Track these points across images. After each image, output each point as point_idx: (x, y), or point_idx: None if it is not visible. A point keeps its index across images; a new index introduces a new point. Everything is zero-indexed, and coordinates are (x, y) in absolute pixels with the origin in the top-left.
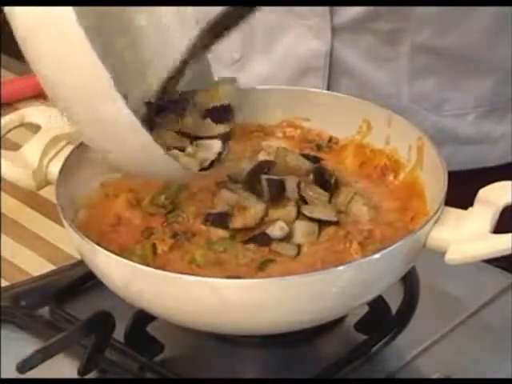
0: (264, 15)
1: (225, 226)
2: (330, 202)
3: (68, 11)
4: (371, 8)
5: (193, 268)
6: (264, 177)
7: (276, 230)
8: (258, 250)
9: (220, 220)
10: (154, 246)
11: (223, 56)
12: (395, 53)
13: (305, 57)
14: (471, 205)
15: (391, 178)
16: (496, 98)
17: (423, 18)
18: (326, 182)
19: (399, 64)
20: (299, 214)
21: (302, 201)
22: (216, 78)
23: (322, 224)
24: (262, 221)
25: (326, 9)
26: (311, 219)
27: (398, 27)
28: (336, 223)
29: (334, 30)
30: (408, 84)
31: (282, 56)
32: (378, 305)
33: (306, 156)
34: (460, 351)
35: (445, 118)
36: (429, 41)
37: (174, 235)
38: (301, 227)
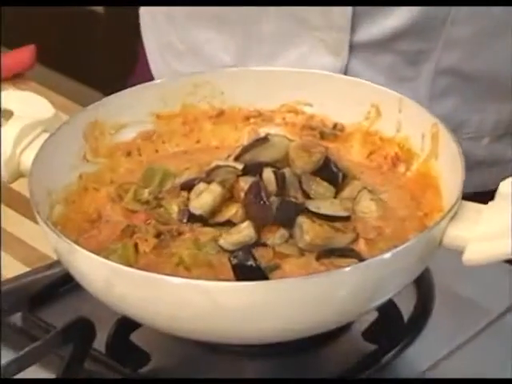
0: (271, 21)
1: (205, 223)
2: (335, 197)
3: None
4: (397, 27)
5: (180, 270)
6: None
7: (277, 239)
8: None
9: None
10: (136, 246)
11: (214, 57)
12: (416, 73)
13: None
14: None
15: (403, 169)
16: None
17: (453, 40)
18: (333, 175)
19: (419, 84)
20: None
21: (305, 196)
22: None
23: (328, 221)
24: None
25: (347, 24)
26: (317, 215)
27: (423, 48)
28: (347, 219)
29: (353, 48)
30: (427, 104)
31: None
32: (388, 310)
33: (309, 145)
34: (480, 361)
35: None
36: (455, 64)
37: (158, 234)
38: (305, 224)
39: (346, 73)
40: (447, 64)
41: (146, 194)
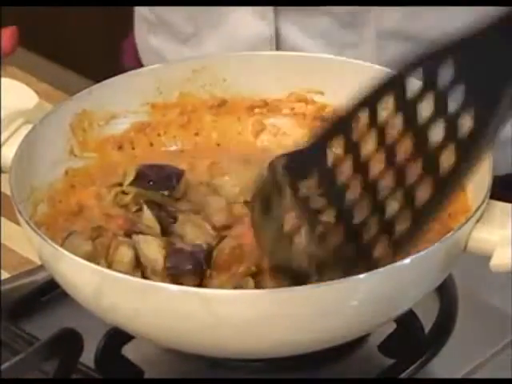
0: None
1: None
2: None
3: None
4: None
5: None
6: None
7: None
8: None
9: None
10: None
11: (177, 27)
12: (358, 38)
13: (250, 41)
14: None
15: None
16: None
17: None
18: None
19: (364, 51)
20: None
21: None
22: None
23: None
24: None
25: None
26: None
27: (357, 8)
28: None
29: (278, 9)
30: None
31: (229, 38)
32: (407, 321)
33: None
34: (509, 376)
35: None
36: (397, 25)
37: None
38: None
39: (278, 40)
40: (388, 26)
41: (127, 199)
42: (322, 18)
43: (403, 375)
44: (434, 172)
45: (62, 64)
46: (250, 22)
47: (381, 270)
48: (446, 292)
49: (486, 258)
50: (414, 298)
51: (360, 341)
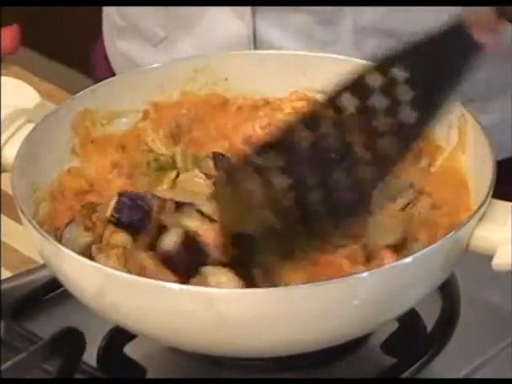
0: None
1: None
2: None
3: None
4: None
5: None
6: None
7: None
8: None
9: None
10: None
11: (148, 32)
12: (335, 35)
13: (227, 42)
14: None
15: (426, 163)
16: (471, 85)
17: None
18: None
19: (343, 47)
20: None
21: None
22: None
23: None
24: None
25: None
26: None
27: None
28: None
29: (255, 9)
30: None
31: (204, 39)
32: (409, 320)
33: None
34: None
35: None
36: (373, 21)
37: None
38: None
39: (255, 40)
40: (364, 23)
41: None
42: (299, 16)
43: (405, 374)
44: None
45: (64, 63)
46: (227, 22)
47: (382, 268)
48: (448, 291)
49: (489, 257)
50: (416, 297)
51: (362, 340)
